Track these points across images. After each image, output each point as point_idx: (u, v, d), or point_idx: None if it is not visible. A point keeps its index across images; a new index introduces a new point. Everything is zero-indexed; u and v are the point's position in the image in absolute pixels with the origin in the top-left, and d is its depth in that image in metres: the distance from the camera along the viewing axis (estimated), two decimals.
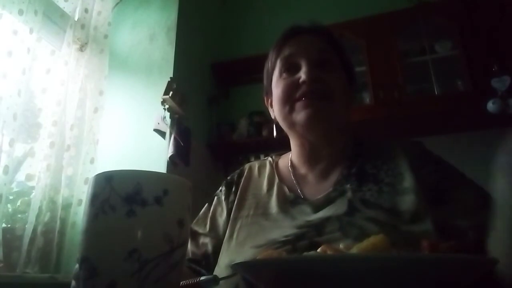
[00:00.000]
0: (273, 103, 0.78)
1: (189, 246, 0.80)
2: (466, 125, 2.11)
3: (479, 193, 0.64)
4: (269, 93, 0.82)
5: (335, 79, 0.72)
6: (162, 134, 2.04)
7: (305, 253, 0.49)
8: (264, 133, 2.40)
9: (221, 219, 0.78)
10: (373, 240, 0.42)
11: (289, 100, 0.72)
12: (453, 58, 2.07)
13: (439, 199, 0.63)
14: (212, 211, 0.81)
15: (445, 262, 0.35)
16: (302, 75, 0.70)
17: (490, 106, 1.84)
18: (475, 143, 2.10)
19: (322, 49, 0.74)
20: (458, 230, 0.60)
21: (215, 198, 0.84)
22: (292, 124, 0.73)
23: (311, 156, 0.76)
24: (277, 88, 0.75)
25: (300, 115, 0.70)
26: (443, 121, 2.11)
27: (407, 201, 0.63)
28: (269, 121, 2.36)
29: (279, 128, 0.81)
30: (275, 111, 0.78)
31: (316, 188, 0.73)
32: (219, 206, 0.81)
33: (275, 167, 0.82)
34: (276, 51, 0.79)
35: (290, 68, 0.74)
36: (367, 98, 2.17)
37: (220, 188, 0.85)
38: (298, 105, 0.70)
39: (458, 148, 2.05)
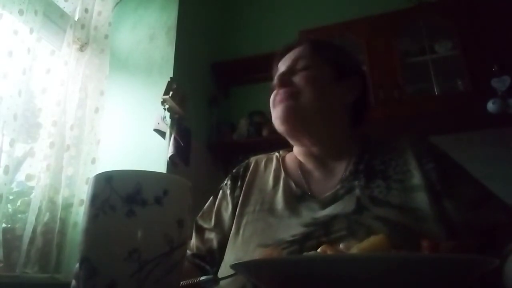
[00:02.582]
0: None
1: (194, 240, 0.80)
2: (466, 125, 2.11)
3: (480, 191, 0.64)
4: None
5: (308, 79, 0.75)
6: (162, 134, 2.04)
7: (305, 253, 0.49)
8: (264, 133, 2.40)
9: (227, 214, 0.78)
10: (373, 240, 0.42)
11: (272, 105, 0.78)
12: (453, 58, 2.07)
13: (441, 196, 0.63)
14: (217, 206, 0.81)
15: (445, 262, 0.35)
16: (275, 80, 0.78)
17: (490, 106, 1.84)
18: (475, 143, 2.10)
19: (297, 57, 0.79)
20: (459, 228, 0.60)
21: (220, 191, 0.83)
22: (276, 125, 0.77)
23: (311, 153, 0.77)
24: None
25: (274, 113, 0.76)
26: (443, 121, 2.10)
27: (417, 199, 0.62)
28: (269, 121, 2.36)
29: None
30: None
31: (323, 184, 0.73)
32: (224, 200, 0.80)
33: (281, 162, 0.82)
34: (275, 66, 0.85)
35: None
36: None
37: (226, 181, 0.84)
38: (275, 110, 0.76)
39: (458, 148, 2.04)
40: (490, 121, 1.99)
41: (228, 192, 0.81)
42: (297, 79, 0.76)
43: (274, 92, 0.78)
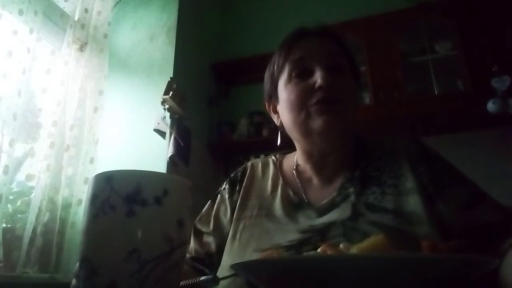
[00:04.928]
0: (282, 109, 0.75)
1: (192, 244, 0.79)
2: (466, 125, 2.11)
3: (473, 191, 0.65)
4: (272, 98, 0.78)
5: (347, 83, 0.71)
6: (162, 134, 2.04)
7: (305, 253, 0.49)
8: (264, 133, 2.40)
9: (225, 218, 0.78)
10: (373, 240, 0.41)
11: (304, 106, 0.68)
12: (453, 58, 2.07)
13: (434, 198, 0.63)
14: (215, 210, 0.80)
15: (445, 262, 0.35)
16: (319, 80, 0.67)
17: (490, 106, 1.84)
18: (475, 143, 2.10)
19: (332, 53, 0.72)
20: (454, 229, 0.60)
21: (219, 196, 0.82)
22: (308, 132, 0.69)
23: (317, 163, 0.75)
24: (288, 93, 0.71)
25: (317, 122, 0.67)
26: (443, 121, 2.11)
27: (411, 202, 0.62)
28: (269, 121, 2.36)
29: (283, 135, 0.79)
30: (286, 118, 0.74)
31: (320, 192, 0.72)
32: (223, 205, 0.80)
33: (279, 167, 0.81)
34: (284, 54, 0.75)
35: (302, 72, 0.71)
36: (367, 98, 2.17)
37: (224, 186, 0.83)
38: (315, 110, 0.67)
39: (458, 148, 2.05)
40: (490, 121, 1.99)
41: (227, 196, 0.80)
42: (340, 82, 0.69)
43: (305, 87, 0.69)
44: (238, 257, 0.65)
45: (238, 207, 0.76)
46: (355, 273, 0.36)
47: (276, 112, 0.79)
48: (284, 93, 0.73)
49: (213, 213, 0.80)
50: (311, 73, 0.70)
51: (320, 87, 0.67)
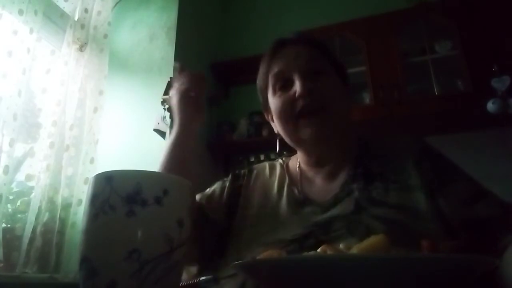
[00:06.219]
0: (274, 120, 0.79)
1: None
2: (466, 125, 2.11)
3: (474, 188, 0.65)
4: (267, 109, 0.82)
5: (330, 86, 0.73)
6: (162, 134, 2.03)
7: (304, 253, 0.49)
8: (264, 133, 2.40)
9: (221, 201, 0.80)
10: (373, 240, 0.42)
11: (290, 117, 0.72)
12: (453, 58, 2.06)
13: (437, 194, 0.64)
14: (212, 193, 0.83)
15: (445, 262, 0.35)
16: (297, 89, 0.70)
17: (490, 106, 1.84)
18: (475, 143, 2.10)
19: (311, 58, 0.74)
20: (455, 225, 0.61)
21: (220, 182, 0.85)
22: (299, 141, 0.74)
23: (317, 164, 0.77)
24: (274, 106, 0.75)
25: (305, 133, 0.71)
26: (443, 121, 2.10)
27: (415, 199, 0.63)
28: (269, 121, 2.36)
29: (282, 142, 0.82)
30: (278, 127, 0.78)
31: (324, 189, 0.74)
32: (221, 192, 0.82)
33: (285, 168, 0.83)
34: (265, 67, 0.78)
35: (284, 84, 0.74)
36: (367, 98, 2.16)
37: (229, 177, 0.86)
38: (301, 123, 0.71)
39: (458, 148, 2.05)
40: (490, 121, 1.99)
41: (227, 184, 0.83)
42: (321, 87, 0.71)
43: (287, 99, 0.72)
44: (244, 253, 0.66)
45: (243, 205, 0.77)
46: (354, 273, 0.36)
47: (273, 120, 0.82)
48: (272, 105, 0.77)
49: (210, 193, 0.83)
50: (292, 83, 0.72)
51: (299, 96, 0.69)
